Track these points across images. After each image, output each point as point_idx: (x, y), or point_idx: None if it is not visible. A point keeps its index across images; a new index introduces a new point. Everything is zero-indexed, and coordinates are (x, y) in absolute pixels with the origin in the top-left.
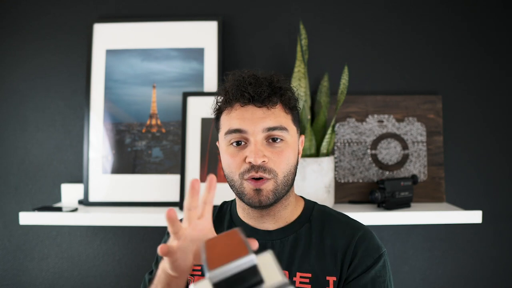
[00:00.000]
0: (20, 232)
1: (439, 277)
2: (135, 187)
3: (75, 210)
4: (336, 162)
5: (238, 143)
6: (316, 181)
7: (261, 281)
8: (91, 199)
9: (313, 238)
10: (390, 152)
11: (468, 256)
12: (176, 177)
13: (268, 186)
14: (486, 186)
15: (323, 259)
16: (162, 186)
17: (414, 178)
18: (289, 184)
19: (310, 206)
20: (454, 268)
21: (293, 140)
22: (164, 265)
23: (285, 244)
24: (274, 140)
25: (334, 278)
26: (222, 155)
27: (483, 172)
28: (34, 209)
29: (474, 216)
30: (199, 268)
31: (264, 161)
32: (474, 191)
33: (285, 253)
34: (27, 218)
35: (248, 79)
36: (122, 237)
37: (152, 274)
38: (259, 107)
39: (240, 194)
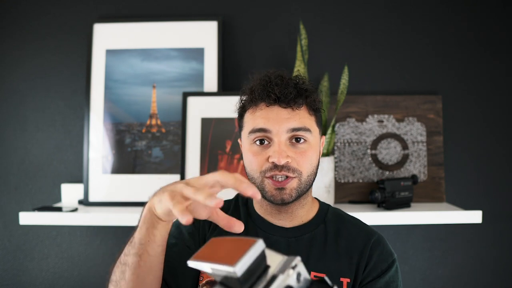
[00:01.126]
0: (20, 232)
1: (439, 277)
2: (135, 187)
3: (75, 210)
4: (336, 162)
5: (261, 142)
6: (316, 181)
7: (268, 266)
8: (91, 199)
9: (328, 239)
10: (390, 152)
11: (468, 256)
12: (176, 177)
13: (292, 184)
14: (486, 186)
15: (338, 260)
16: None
17: (414, 178)
18: (311, 184)
19: (324, 208)
20: (454, 268)
21: (315, 141)
22: (154, 206)
23: (300, 242)
24: (298, 140)
25: (348, 280)
26: (245, 153)
27: (483, 172)
28: (34, 209)
29: (474, 216)
30: None
31: (287, 161)
32: (474, 191)
33: (300, 251)
34: (27, 218)
35: (274, 80)
36: (122, 237)
37: None
38: (284, 107)
39: (261, 191)
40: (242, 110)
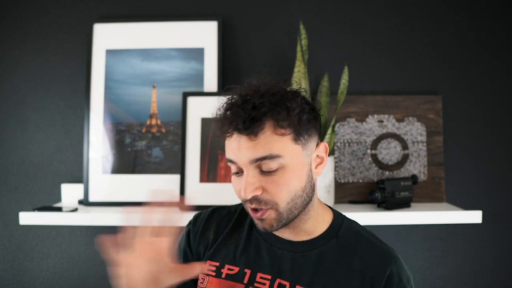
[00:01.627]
0: (20, 232)
1: (439, 277)
2: (135, 187)
3: (75, 210)
4: (336, 162)
5: (237, 172)
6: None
7: None
8: (91, 199)
9: (340, 257)
10: (390, 152)
11: (468, 256)
12: (176, 177)
13: (270, 215)
14: (486, 186)
15: (350, 281)
16: (162, 186)
17: (414, 178)
18: (298, 207)
19: (338, 221)
20: (454, 268)
21: (295, 161)
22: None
23: (307, 258)
24: (268, 171)
25: None
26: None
27: (483, 172)
28: (34, 209)
29: (474, 216)
30: (213, 268)
31: (256, 194)
32: (474, 191)
33: (307, 268)
34: (27, 218)
35: (227, 106)
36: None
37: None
38: (246, 135)
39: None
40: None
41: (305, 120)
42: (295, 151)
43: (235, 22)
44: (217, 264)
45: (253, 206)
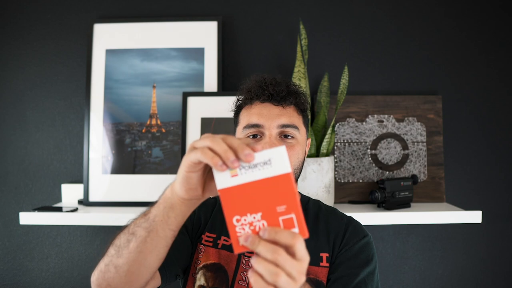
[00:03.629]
0: (20, 232)
1: (439, 277)
2: (135, 187)
3: (75, 210)
4: (336, 162)
5: (254, 136)
6: (316, 181)
7: None
8: (91, 199)
9: (309, 222)
10: (390, 152)
11: (468, 256)
12: None
13: None
14: (486, 186)
15: (317, 239)
16: (162, 186)
17: (414, 178)
18: (296, 177)
19: (305, 199)
20: (454, 268)
21: (302, 139)
22: (175, 184)
23: None
24: (286, 136)
25: (327, 254)
26: None
27: (483, 172)
28: (34, 209)
29: (474, 216)
30: (211, 239)
31: None
32: (474, 191)
33: None
34: (27, 218)
35: (268, 80)
36: None
37: None
38: (276, 105)
39: None
40: (238, 108)
41: (307, 113)
42: (303, 131)
43: (235, 22)
44: (214, 235)
45: None
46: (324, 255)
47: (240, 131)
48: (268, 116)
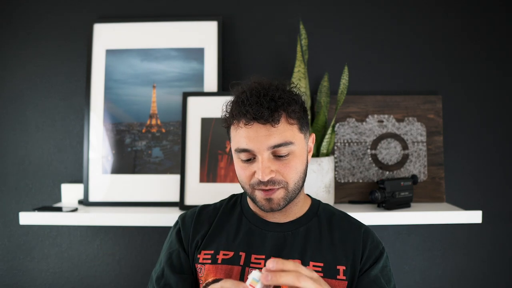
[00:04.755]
0: (20, 232)
1: (439, 277)
2: (135, 187)
3: (75, 210)
4: (336, 162)
5: (248, 159)
6: (316, 181)
7: None
8: (91, 199)
9: (322, 231)
10: (390, 152)
11: (468, 256)
12: (176, 177)
13: (279, 194)
14: (486, 186)
15: (334, 249)
16: (162, 186)
17: (414, 178)
18: (300, 188)
19: (316, 203)
20: (454, 268)
21: (300, 148)
22: None
23: (296, 235)
24: (281, 155)
25: (344, 267)
26: (235, 163)
27: (483, 172)
28: (34, 209)
29: (474, 216)
30: (209, 256)
31: (271, 177)
32: (474, 191)
33: (297, 243)
34: (27, 218)
35: (250, 98)
36: (122, 237)
37: (159, 272)
38: (263, 124)
39: (252, 199)
40: (226, 124)
41: (305, 112)
42: (300, 139)
43: (235, 22)
44: (212, 252)
45: (268, 187)
46: (341, 268)
47: (233, 152)
48: (256, 139)
